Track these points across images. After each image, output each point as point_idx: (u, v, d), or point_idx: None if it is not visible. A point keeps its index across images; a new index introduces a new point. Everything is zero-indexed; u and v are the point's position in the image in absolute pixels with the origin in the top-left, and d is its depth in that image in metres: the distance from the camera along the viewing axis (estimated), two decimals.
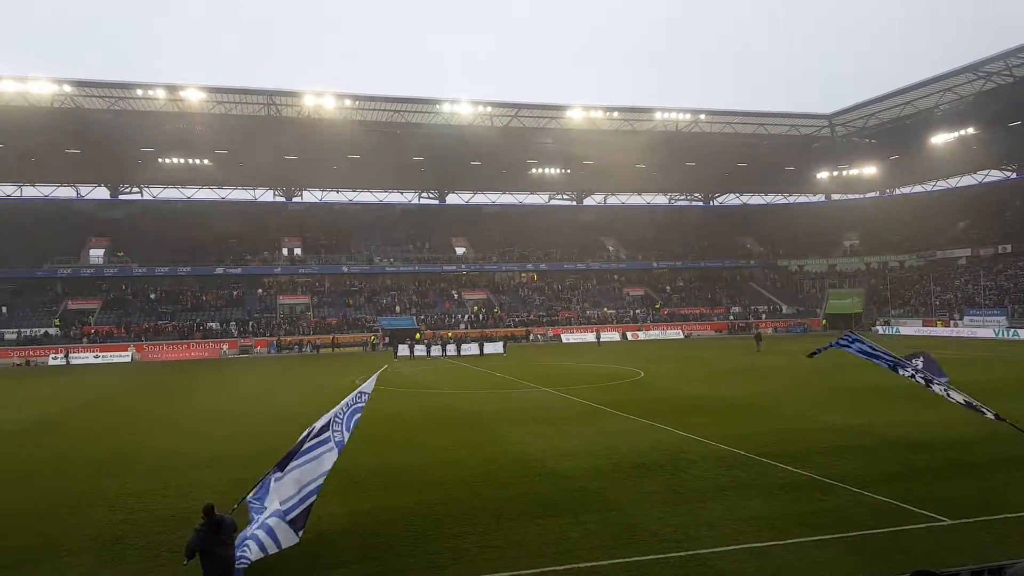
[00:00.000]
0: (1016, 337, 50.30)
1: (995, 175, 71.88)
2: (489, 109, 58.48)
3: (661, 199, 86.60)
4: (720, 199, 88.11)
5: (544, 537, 9.84)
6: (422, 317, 62.22)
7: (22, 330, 53.39)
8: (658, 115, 62.19)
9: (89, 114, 53.40)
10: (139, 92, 50.98)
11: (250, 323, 58.25)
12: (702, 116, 63.25)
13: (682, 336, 63.96)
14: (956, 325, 56.41)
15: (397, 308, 63.74)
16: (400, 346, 47.49)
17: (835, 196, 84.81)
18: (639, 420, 19.10)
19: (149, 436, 18.82)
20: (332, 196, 76.20)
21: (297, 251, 68.48)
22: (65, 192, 68.66)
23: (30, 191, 67.48)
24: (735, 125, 66.26)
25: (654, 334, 63.56)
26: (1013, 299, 56.36)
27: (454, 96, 56.48)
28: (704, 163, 73.21)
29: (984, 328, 53.93)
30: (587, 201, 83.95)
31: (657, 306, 69.41)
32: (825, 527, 9.97)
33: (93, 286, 60.57)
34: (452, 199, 79.68)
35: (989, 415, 10.19)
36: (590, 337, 59.02)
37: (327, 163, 66.04)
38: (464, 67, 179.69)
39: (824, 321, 67.58)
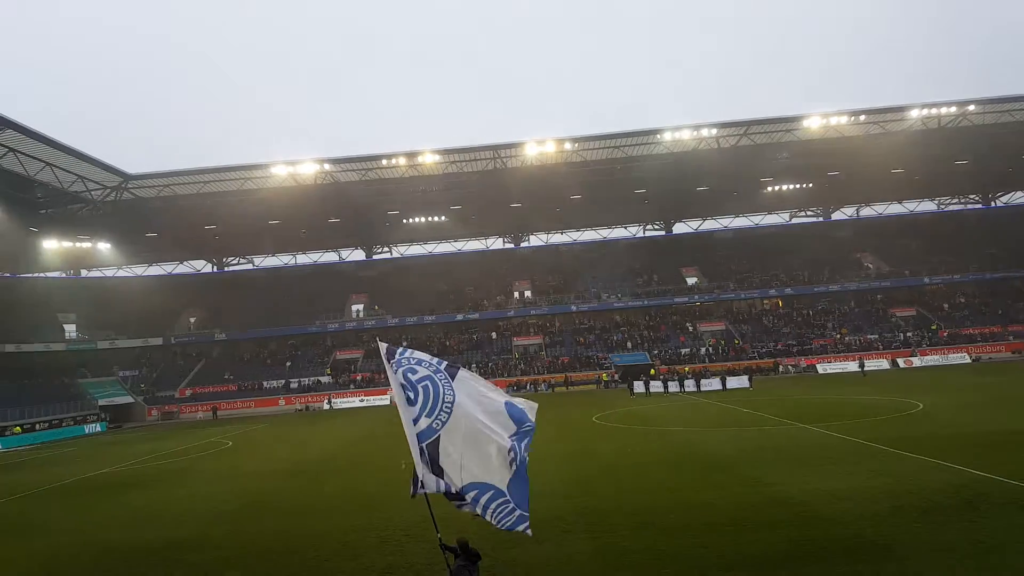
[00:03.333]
0: None
1: None
2: (714, 131, 56.47)
3: (927, 205, 75.99)
4: (1005, 198, 74.93)
5: None
6: (655, 352, 61.06)
7: (301, 379, 62.59)
8: (914, 112, 54.86)
9: (345, 186, 61.04)
10: (384, 162, 57.46)
11: (489, 364, 62.00)
12: (971, 107, 54.50)
13: (968, 360, 54.69)
14: None
15: (629, 344, 63.34)
16: (635, 382, 46.93)
17: None
18: (921, 458, 16.53)
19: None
20: (557, 238, 79.09)
21: (527, 294, 71.74)
22: (329, 256, 79.77)
23: (302, 258, 79.80)
24: (1016, 113, 56.09)
25: (931, 360, 55.18)
26: None
27: (675, 123, 55.56)
28: (980, 159, 62.93)
29: None
30: (836, 215, 76.71)
31: (934, 327, 60.38)
32: None
33: (356, 337, 68.99)
34: (679, 228, 77.98)
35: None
36: (852, 366, 53.02)
37: (550, 206, 68.66)
38: (672, 93, 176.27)
39: None
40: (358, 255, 79.67)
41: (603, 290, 69.76)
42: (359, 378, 61.92)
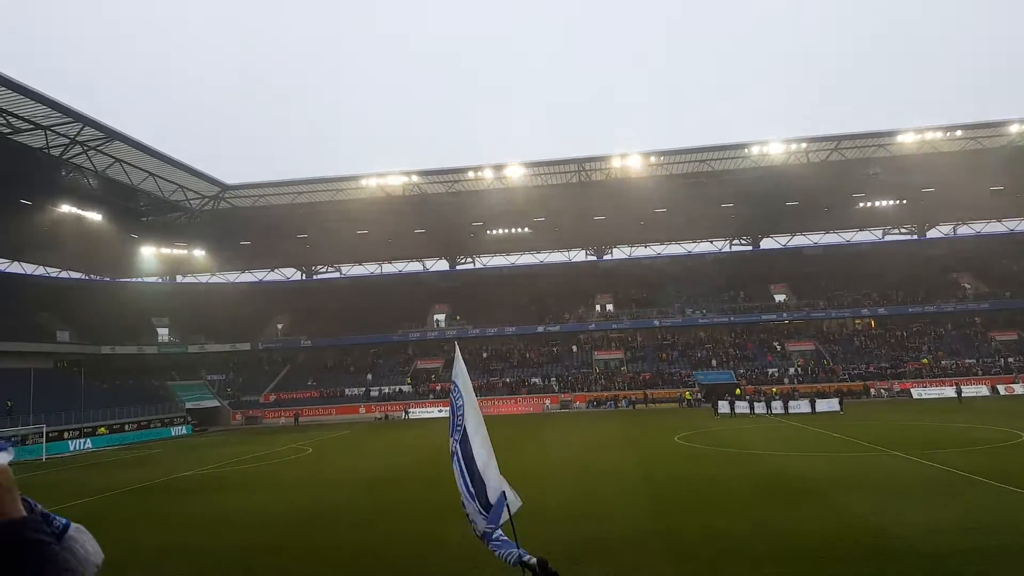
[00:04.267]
0: None
1: None
2: (804, 146, 55.03)
3: None
4: None
5: None
6: (741, 371, 59.77)
7: (382, 388, 64.40)
8: (1013, 128, 51.95)
9: (431, 197, 62.39)
10: (470, 174, 58.53)
11: (569, 378, 62.15)
12: None
13: None
14: None
15: (713, 362, 62.27)
16: (720, 402, 46.17)
17: None
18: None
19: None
20: (640, 251, 78.63)
21: (609, 307, 71.59)
22: (413, 266, 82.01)
23: (388, 267, 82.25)
24: None
25: None
26: None
27: (763, 137, 54.45)
28: None
29: None
30: (931, 233, 73.11)
31: None
32: None
33: (437, 347, 70.57)
34: (767, 243, 76.09)
35: None
36: (948, 392, 50.40)
37: (634, 219, 68.35)
38: (761, 108, 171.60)
39: None
40: (441, 265, 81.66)
41: (687, 305, 68.93)
42: (438, 388, 63.35)
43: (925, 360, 58.34)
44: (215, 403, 64.39)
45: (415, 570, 12.34)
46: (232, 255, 72.51)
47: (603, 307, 71.92)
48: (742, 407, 44.76)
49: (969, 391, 50.16)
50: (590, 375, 62.83)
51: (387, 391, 63.92)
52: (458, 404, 8.23)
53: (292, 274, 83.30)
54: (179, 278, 79.01)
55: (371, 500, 19.86)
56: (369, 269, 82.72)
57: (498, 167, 57.15)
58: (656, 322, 67.73)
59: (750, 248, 76.29)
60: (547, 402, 58.87)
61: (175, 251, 67.36)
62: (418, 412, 59.25)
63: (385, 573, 12.51)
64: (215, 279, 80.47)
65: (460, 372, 8.44)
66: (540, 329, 68.86)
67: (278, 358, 72.72)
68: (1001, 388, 52.21)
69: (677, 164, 58.66)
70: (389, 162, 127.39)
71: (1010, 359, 56.49)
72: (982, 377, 54.17)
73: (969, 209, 67.50)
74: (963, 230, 73.11)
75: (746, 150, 55.17)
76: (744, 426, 36.56)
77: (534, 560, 7.98)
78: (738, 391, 51.56)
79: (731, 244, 76.92)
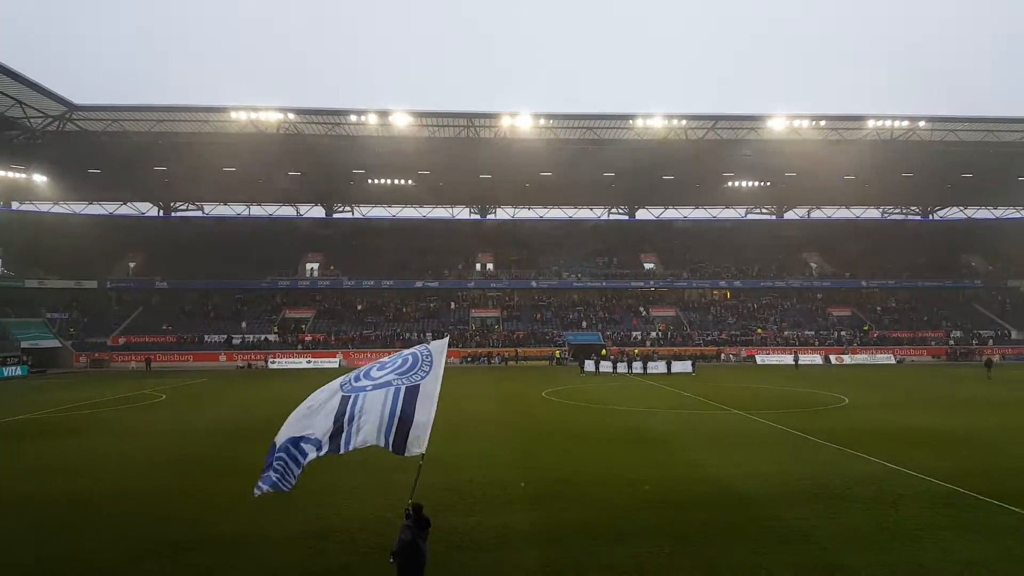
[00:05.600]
0: None
1: None
2: (684, 123, 57.34)
3: (872, 213, 79.30)
4: (941, 212, 78.76)
5: (735, 566, 9.53)
6: (608, 333, 62.48)
7: (246, 336, 61.50)
8: (871, 123, 56.94)
9: (309, 139, 59.09)
10: (353, 118, 55.67)
11: (444, 334, 62.26)
12: (921, 123, 56.82)
13: (893, 361, 57.91)
14: None
15: (584, 323, 64.63)
16: (587, 361, 48.13)
17: None
18: (842, 449, 17.81)
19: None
20: (524, 213, 79.46)
21: (489, 266, 72.17)
22: (286, 211, 78.14)
23: (257, 210, 77.90)
24: (959, 132, 58.65)
25: (861, 358, 58.23)
26: None
27: (648, 111, 56.05)
28: (922, 173, 65.81)
29: None
30: (788, 215, 79.16)
31: (866, 328, 63.46)
32: None
33: (308, 297, 68.34)
34: (642, 214, 79.33)
35: None
36: (787, 359, 55.43)
37: (520, 181, 68.85)
38: (653, 79, 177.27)
39: None
40: (317, 212, 78.38)
41: (564, 269, 70.70)
42: (308, 339, 61.41)
43: (759, 330, 63.74)
44: (55, 343, 58.98)
45: (276, 524, 11.79)
46: (79, 183, 65.81)
47: (483, 266, 72.32)
48: (606, 366, 47.08)
49: (805, 359, 55.46)
50: (466, 332, 63.32)
51: (251, 339, 61.07)
52: (425, 363, 9.50)
53: (148, 209, 76.94)
54: (15, 204, 70.80)
55: (232, 452, 18.63)
56: (236, 210, 78.02)
57: (383, 113, 55.10)
58: (534, 283, 69.13)
59: (627, 218, 79.21)
60: None
61: (11, 174, 60.29)
62: (284, 362, 57.19)
63: (243, 523, 11.90)
64: (58, 209, 72.79)
65: (440, 349, 9.83)
66: (419, 284, 68.26)
67: (129, 299, 67.32)
68: (832, 358, 58.15)
69: (566, 129, 59.30)
70: (269, 98, 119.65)
71: (843, 333, 62.93)
72: (818, 348, 60.06)
73: (823, 194, 73.59)
74: (816, 214, 79.84)
75: (631, 122, 56.66)
76: (607, 384, 38.40)
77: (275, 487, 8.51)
78: (604, 351, 54.00)
79: (609, 213, 79.46)
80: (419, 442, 8.64)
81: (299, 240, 73.56)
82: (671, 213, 79.46)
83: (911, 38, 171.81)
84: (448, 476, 14.52)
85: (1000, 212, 78.51)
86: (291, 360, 57.68)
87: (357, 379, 9.42)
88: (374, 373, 9.54)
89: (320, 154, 61.46)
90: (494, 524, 11.55)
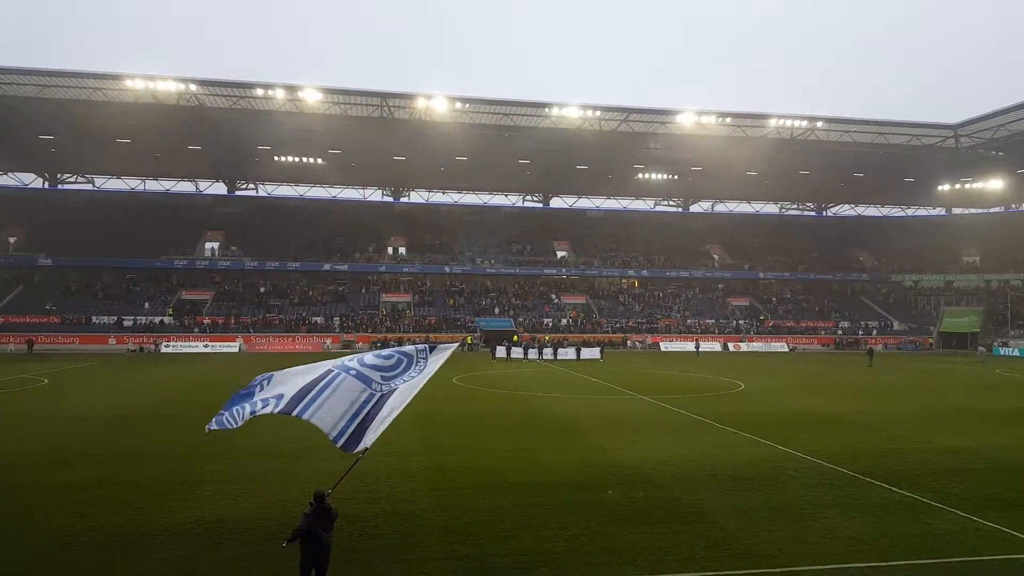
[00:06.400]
0: None
1: None
2: (598, 113, 58.36)
3: (771, 208, 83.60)
4: (833, 209, 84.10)
5: (636, 545, 9.83)
6: (520, 319, 63.03)
7: (138, 318, 57.78)
8: (773, 122, 59.97)
9: (211, 112, 56.28)
10: (259, 92, 53.49)
11: (354, 318, 61.05)
12: (819, 124, 60.40)
13: (786, 349, 61.45)
14: None
15: (496, 310, 64.89)
16: (498, 348, 48.35)
17: (956, 210, 79.64)
18: (738, 433, 18.70)
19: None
20: (438, 197, 78.72)
21: (402, 250, 71.12)
22: (185, 186, 73.95)
23: (153, 184, 73.40)
24: (853, 134, 62.85)
25: (757, 346, 61.44)
26: None
27: (563, 100, 56.76)
28: (818, 172, 70.03)
29: None
30: (694, 208, 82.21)
31: (762, 318, 66.99)
32: (928, 551, 9.59)
33: (206, 278, 65.03)
34: (556, 203, 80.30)
35: None
36: (689, 347, 57.76)
37: (435, 164, 68.12)
38: (570, 72, 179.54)
39: (931, 340, 63.65)
40: (218, 188, 74.62)
41: (478, 255, 70.54)
42: (206, 322, 58.51)
43: (763, 317, 66.83)
44: None
45: (168, 514, 11.17)
46: None
47: (395, 250, 71.18)
48: (517, 353, 47.44)
49: (706, 347, 57.94)
50: (376, 316, 62.21)
51: (144, 322, 57.55)
52: (416, 366, 10.08)
53: (31, 180, 71.06)
54: None
55: (118, 439, 17.69)
56: (130, 184, 73.35)
57: (292, 88, 53.18)
58: (447, 268, 68.68)
59: (541, 205, 79.96)
60: (328, 342, 57.33)
61: None
62: (179, 346, 54.33)
63: (133, 515, 11.15)
64: None
65: (441, 355, 10.47)
66: (327, 267, 66.39)
67: (8, 276, 61.95)
68: (731, 346, 61.05)
69: (482, 114, 59.15)
70: (168, 69, 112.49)
71: (741, 322, 66.17)
72: (718, 336, 62.87)
73: (726, 189, 76.83)
74: (719, 208, 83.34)
75: (547, 110, 57.20)
76: (517, 370, 38.72)
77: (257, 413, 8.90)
78: (515, 338, 54.43)
79: (524, 200, 79.95)
80: (368, 440, 8.88)
81: (198, 218, 69.91)
82: (584, 203, 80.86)
83: (843, 41, 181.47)
84: (355, 467, 14.14)
85: (886, 211, 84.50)
86: (187, 344, 54.91)
87: (350, 360, 9.89)
88: (367, 360, 9.96)
89: (223, 128, 58.63)
90: (399, 512, 11.42)
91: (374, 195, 77.17)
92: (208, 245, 68.06)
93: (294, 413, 8.89)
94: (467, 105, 56.98)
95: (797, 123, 60.25)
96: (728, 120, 60.11)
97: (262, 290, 64.84)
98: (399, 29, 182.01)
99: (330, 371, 9.42)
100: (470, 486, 13.16)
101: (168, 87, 51.54)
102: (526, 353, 47.65)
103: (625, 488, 12.96)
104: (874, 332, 66.11)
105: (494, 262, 69.80)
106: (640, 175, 71.26)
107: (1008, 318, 61.97)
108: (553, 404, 24.92)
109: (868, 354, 45.17)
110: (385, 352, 10.37)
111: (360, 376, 9.39)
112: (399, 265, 68.85)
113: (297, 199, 75.60)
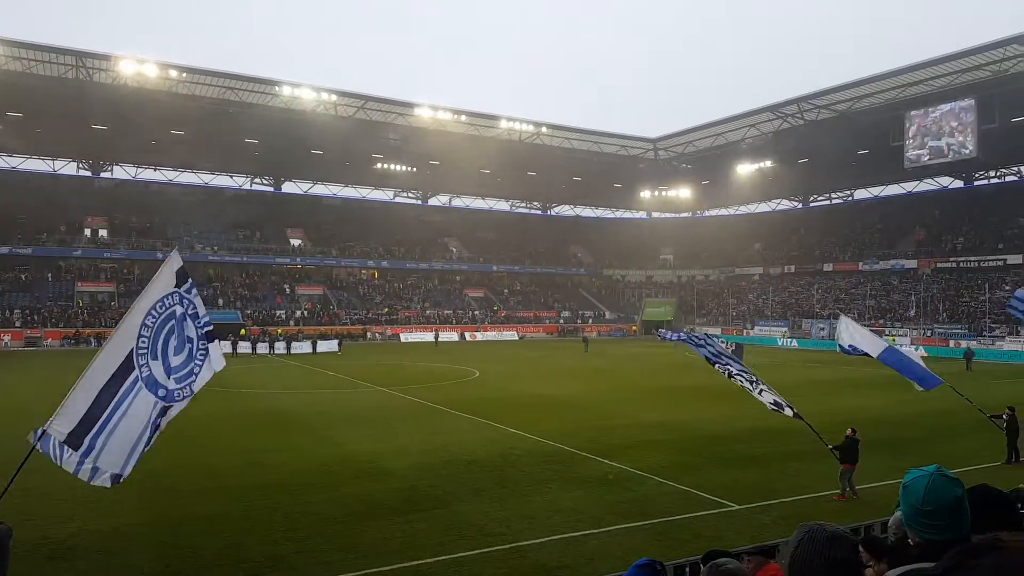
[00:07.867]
0: (793, 346, 57.53)
1: (785, 204, 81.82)
2: (334, 98, 56.49)
3: (503, 205, 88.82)
4: (556, 209, 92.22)
5: (370, 538, 9.74)
6: (249, 311, 58.65)
7: None
8: (503, 123, 63.73)
9: None
10: None
11: (41, 311, 51.54)
12: (543, 129, 65.75)
13: (517, 338, 65.95)
14: (748, 333, 63.35)
15: (220, 301, 59.48)
16: (222, 343, 44.29)
17: (655, 214, 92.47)
18: (472, 418, 19.46)
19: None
20: (148, 174, 69.39)
21: (103, 233, 61.67)
22: None
23: None
24: (572, 141, 69.64)
25: (491, 335, 64.94)
26: (794, 312, 64.69)
27: (295, 80, 53.97)
28: (543, 174, 76.14)
29: (770, 336, 61.19)
30: (432, 201, 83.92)
31: (495, 308, 70.98)
32: (634, 515, 10.82)
33: None
34: (289, 188, 75.97)
35: (789, 413, 11.49)
36: (429, 337, 59.00)
37: (145, 137, 59.98)
38: (312, 56, 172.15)
39: (635, 327, 73.50)
40: None
41: (197, 240, 63.80)
42: None
43: (496, 307, 68.01)
44: None
45: None
46: None
47: (95, 232, 61.41)
48: (245, 347, 44.14)
49: (445, 336, 59.75)
50: (70, 309, 53.12)
51: None
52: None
53: None
54: None
55: None
56: None
57: None
58: (159, 255, 60.67)
59: (271, 189, 75.10)
60: (7, 339, 47.71)
61: None
62: None
63: None
64: None
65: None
66: (5, 251, 54.94)
67: None
68: (468, 335, 63.71)
69: (203, 85, 53.78)
70: None
71: (477, 312, 69.39)
72: (455, 325, 65.15)
73: (463, 184, 79.78)
74: (456, 202, 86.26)
75: (277, 88, 53.98)
76: (246, 366, 35.89)
77: None
78: (243, 332, 50.54)
79: (252, 183, 74.32)
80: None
81: None
82: (320, 189, 77.82)
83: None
84: (42, 480, 11.78)
85: (600, 212, 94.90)
86: None
87: (144, 353, 7.19)
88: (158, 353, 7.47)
89: None
90: (99, 528, 10.07)
91: (67, 167, 65.57)
92: None
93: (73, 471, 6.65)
94: (184, 75, 51.23)
95: (525, 127, 64.91)
96: (463, 117, 62.48)
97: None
98: None
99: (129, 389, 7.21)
100: (190, 493, 12.01)
101: None
102: (255, 348, 44.60)
103: (361, 482, 12.70)
104: (590, 321, 74.02)
105: (217, 248, 63.77)
106: (379, 164, 70.70)
107: (694, 307, 73.72)
108: (286, 401, 23.64)
109: (584, 341, 50.36)
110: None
111: (151, 384, 7.47)
112: (99, 250, 59.53)
113: None
